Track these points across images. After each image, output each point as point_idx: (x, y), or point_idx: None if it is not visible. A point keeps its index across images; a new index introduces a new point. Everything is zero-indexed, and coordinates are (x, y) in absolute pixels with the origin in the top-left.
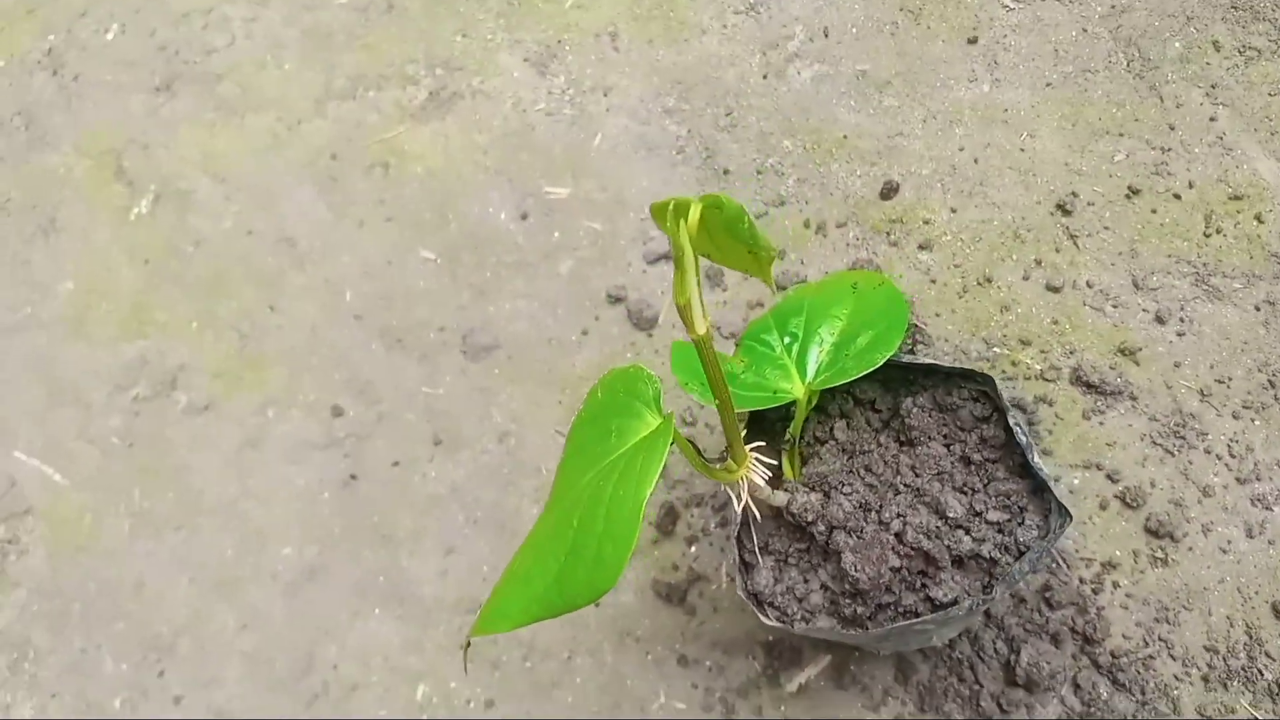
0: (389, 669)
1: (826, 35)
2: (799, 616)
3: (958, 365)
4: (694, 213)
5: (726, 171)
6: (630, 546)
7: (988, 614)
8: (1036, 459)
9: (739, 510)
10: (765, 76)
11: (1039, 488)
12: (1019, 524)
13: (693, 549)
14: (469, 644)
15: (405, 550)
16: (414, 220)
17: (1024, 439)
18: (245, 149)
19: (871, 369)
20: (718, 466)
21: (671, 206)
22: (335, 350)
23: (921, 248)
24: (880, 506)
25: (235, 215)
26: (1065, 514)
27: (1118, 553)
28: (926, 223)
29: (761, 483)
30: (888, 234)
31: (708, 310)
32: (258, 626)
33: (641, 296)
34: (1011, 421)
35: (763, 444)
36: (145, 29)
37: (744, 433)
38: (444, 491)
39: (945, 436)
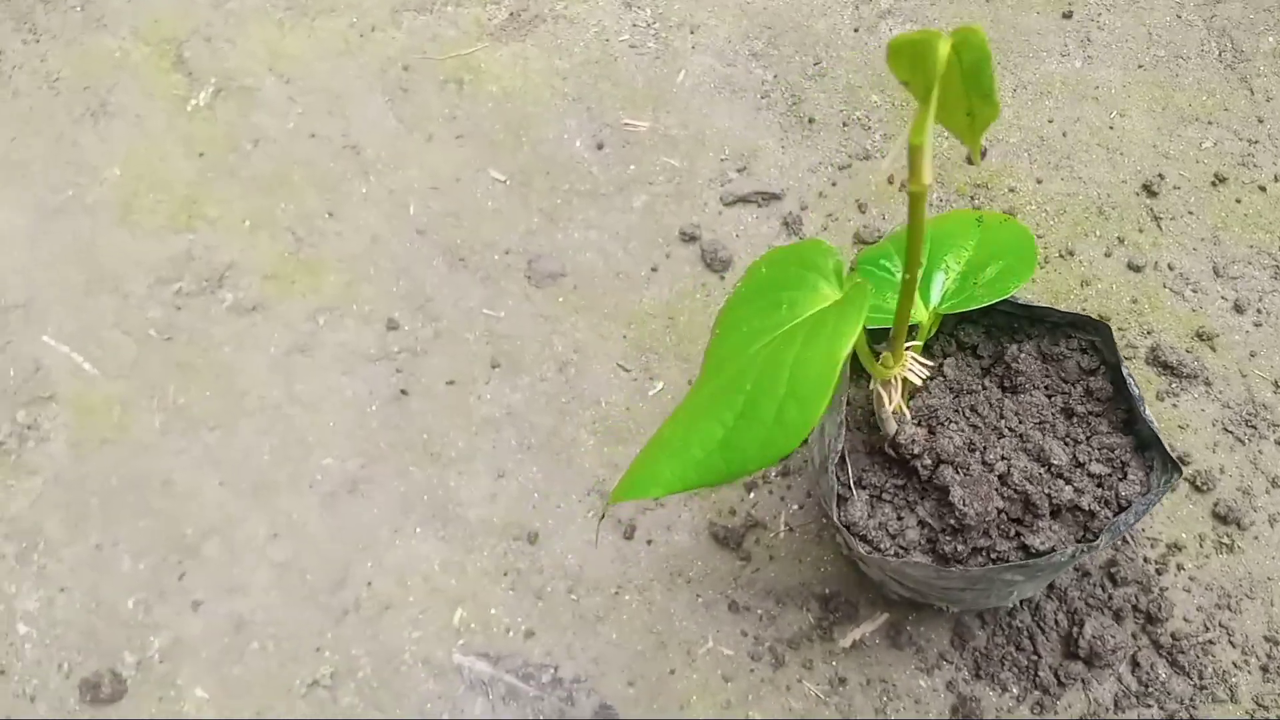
0: (427, 590)
1: None
2: (891, 552)
3: (1069, 313)
4: (944, 47)
5: (811, 120)
6: (821, 407)
7: (1050, 585)
8: (1147, 411)
9: (890, 409)
10: (856, 30)
11: (1141, 445)
12: (1120, 478)
13: (751, 495)
14: (604, 515)
15: (454, 470)
16: (486, 139)
17: (1136, 391)
18: (315, 52)
19: (1005, 296)
20: (878, 360)
21: (923, 38)
22: (395, 263)
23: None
24: (984, 448)
25: (299, 117)
26: (1174, 468)
27: (1184, 535)
28: (1011, 190)
29: (918, 381)
30: (972, 198)
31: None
32: (291, 536)
33: (716, 238)
34: (1125, 373)
35: (919, 344)
36: None
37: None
38: (499, 414)
39: (1048, 387)
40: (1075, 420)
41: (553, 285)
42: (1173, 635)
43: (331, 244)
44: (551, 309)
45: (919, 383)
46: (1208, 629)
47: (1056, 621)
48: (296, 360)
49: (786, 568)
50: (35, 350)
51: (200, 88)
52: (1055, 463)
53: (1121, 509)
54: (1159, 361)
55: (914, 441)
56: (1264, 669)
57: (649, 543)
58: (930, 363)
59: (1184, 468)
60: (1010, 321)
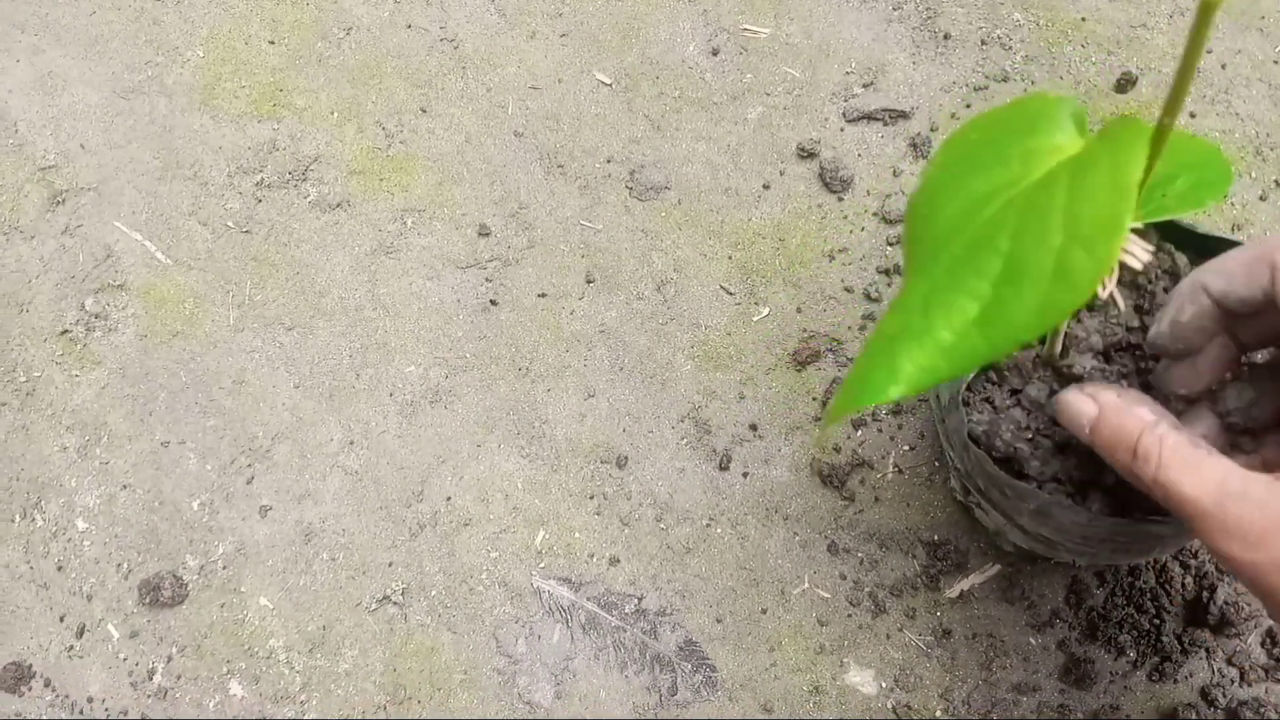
0: (509, 508)
1: None
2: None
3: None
4: None
5: (947, 36)
6: (1115, 246)
7: (1180, 547)
8: None
9: (1103, 296)
10: None
11: None
12: None
13: (859, 433)
14: (817, 440)
15: (542, 387)
16: (592, 39)
17: None
18: None
19: (1199, 209)
20: None
21: None
22: (489, 166)
23: None
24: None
25: (395, 6)
26: None
27: None
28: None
29: (1138, 265)
30: None
31: None
32: (367, 444)
33: (836, 155)
34: None
35: (1140, 226)
36: None
37: None
38: (591, 332)
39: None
40: (1247, 365)
41: (655, 198)
42: None
43: (423, 141)
44: (653, 223)
45: (1139, 266)
46: None
47: (1183, 585)
48: (381, 262)
49: (893, 511)
50: (106, 235)
51: None
52: (1221, 410)
53: None
54: None
55: (1082, 368)
56: None
57: (745, 475)
58: (1151, 246)
59: None
60: (1187, 254)
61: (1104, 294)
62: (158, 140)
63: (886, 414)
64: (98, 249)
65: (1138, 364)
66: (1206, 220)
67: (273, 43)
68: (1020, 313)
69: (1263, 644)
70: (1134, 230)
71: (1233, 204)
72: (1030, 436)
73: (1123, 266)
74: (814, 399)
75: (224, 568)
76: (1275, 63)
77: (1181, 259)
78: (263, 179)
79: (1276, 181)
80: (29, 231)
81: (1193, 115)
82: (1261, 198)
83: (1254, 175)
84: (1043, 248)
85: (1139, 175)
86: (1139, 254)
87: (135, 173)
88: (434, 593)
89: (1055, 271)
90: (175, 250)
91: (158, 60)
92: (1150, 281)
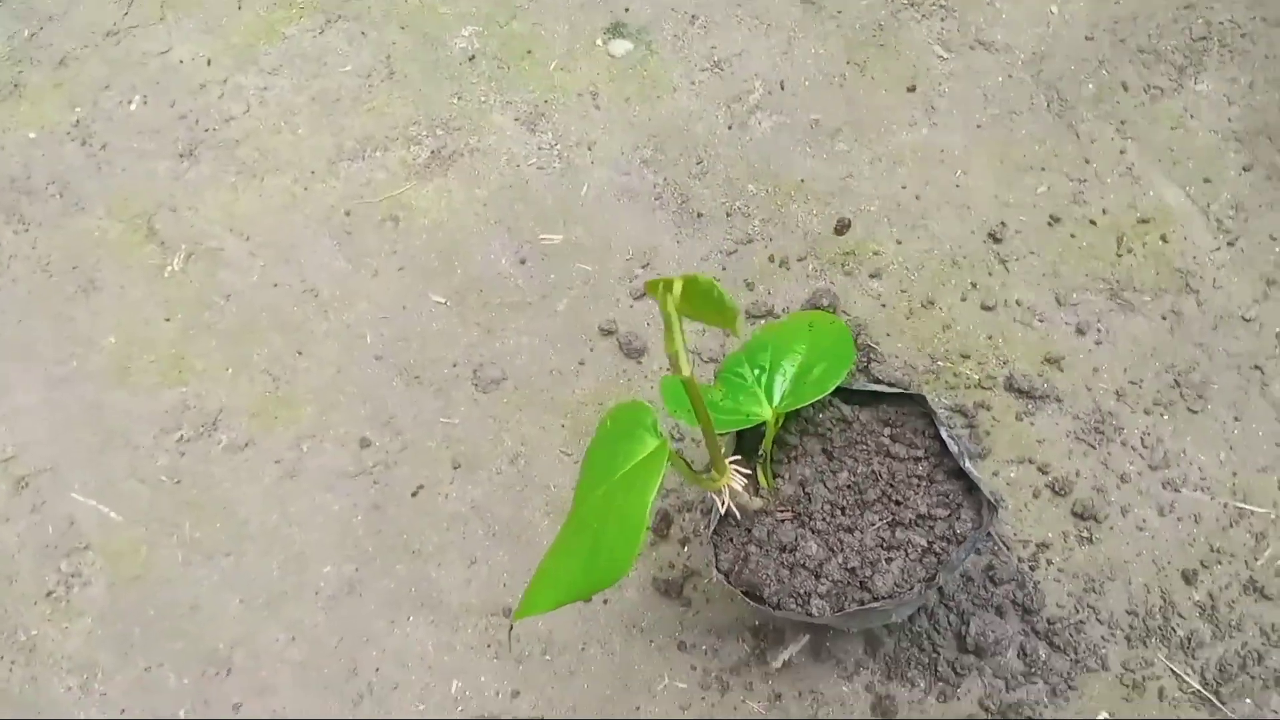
0: (425, 668)
1: (783, 88)
2: (773, 604)
3: (895, 389)
4: (677, 287)
5: (699, 215)
6: (634, 549)
7: (941, 591)
8: (967, 464)
9: (722, 511)
10: (730, 128)
11: (973, 486)
12: (956, 518)
13: (685, 549)
14: (512, 627)
15: (433, 563)
16: (423, 268)
17: (955, 447)
18: (266, 208)
19: (824, 394)
20: (705, 477)
21: (662, 285)
22: (359, 388)
23: (872, 276)
24: (844, 506)
25: (261, 269)
26: (994, 507)
27: (1050, 534)
28: (876, 254)
29: (740, 489)
30: (843, 265)
31: (689, 357)
32: (305, 638)
33: (630, 329)
34: (944, 434)
35: (739, 457)
36: (165, 99)
37: (731, 448)
38: (465, 509)
39: (888, 451)
40: (916, 475)
41: (496, 389)
42: (1048, 620)
43: (303, 379)
44: (498, 410)
45: (738, 488)
46: (1078, 611)
47: (949, 622)
48: (286, 485)
49: (721, 608)
50: (67, 507)
51: (172, 254)
52: (902, 512)
53: (961, 542)
54: (1014, 388)
55: (771, 514)
56: (1128, 638)
57: (605, 602)
58: (748, 470)
59: (1045, 475)
60: (860, 399)
61: (723, 508)
62: (92, 418)
63: (704, 529)
64: (61, 519)
65: (834, 511)
66: (921, 326)
67: (168, 320)
68: (597, 574)
69: (1019, 656)
70: (735, 462)
71: (940, 309)
72: (757, 565)
73: (733, 490)
74: (647, 527)
75: None
76: (957, 186)
77: (848, 409)
78: (182, 435)
79: (972, 284)
80: (2, 515)
81: (900, 242)
82: (962, 299)
83: (954, 282)
84: (606, 537)
85: (651, 500)
86: (740, 478)
87: (80, 450)
88: None
89: (610, 557)
90: (123, 508)
91: (78, 351)
92: (829, 429)
